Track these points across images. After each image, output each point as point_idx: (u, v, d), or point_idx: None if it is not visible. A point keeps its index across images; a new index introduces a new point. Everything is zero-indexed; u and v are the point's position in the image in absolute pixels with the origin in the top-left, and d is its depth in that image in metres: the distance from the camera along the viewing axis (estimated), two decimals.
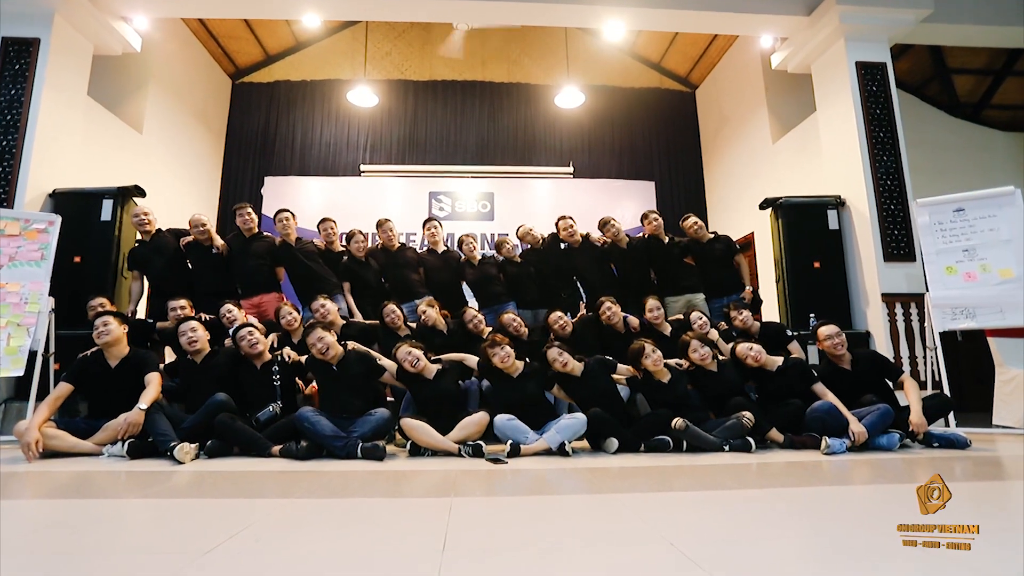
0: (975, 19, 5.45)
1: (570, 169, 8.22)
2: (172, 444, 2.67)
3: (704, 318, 3.92)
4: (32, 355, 3.63)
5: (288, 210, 4.43)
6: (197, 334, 3.26)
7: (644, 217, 4.66)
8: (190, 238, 4.28)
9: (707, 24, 5.69)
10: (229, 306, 3.80)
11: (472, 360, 3.40)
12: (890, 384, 3.40)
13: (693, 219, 4.61)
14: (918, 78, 7.16)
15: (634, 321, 4.01)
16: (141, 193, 4.77)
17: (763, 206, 5.26)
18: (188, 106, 7.08)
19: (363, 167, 8.02)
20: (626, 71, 8.60)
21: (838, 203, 5.14)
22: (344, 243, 4.56)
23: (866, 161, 5.00)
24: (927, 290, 4.26)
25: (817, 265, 4.98)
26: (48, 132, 4.60)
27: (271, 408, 3.05)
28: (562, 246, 4.62)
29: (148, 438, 2.82)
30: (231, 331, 3.44)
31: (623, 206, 7.62)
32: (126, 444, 2.75)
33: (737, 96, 7.50)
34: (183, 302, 3.76)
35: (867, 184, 4.95)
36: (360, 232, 4.50)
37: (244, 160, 7.97)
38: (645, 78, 8.67)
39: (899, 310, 4.68)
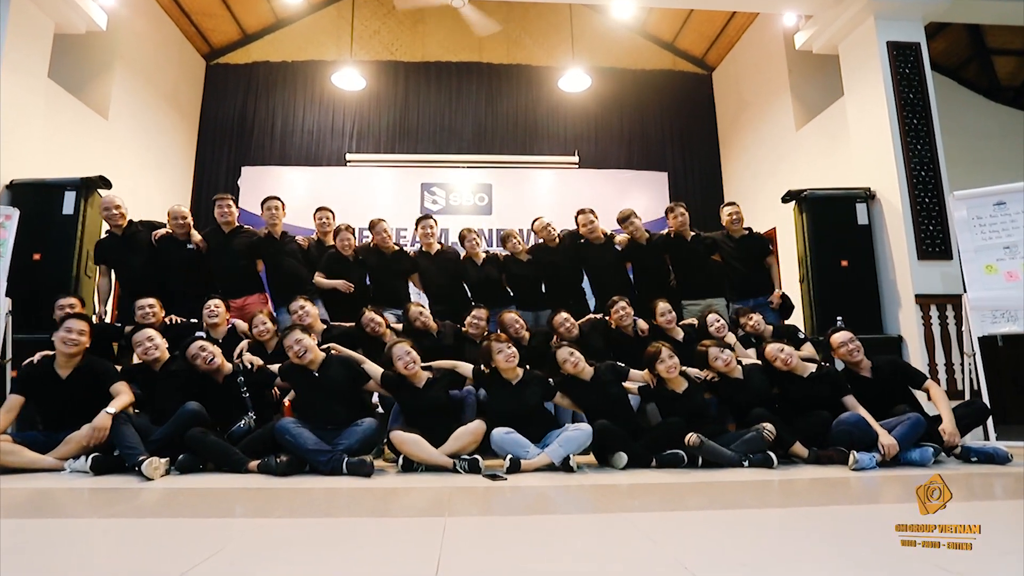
0: None
1: (575, 159, 8.21)
2: (140, 458, 2.67)
3: (721, 321, 3.94)
4: None
5: (278, 198, 4.45)
6: (155, 343, 3.26)
7: (669, 211, 4.66)
8: (163, 231, 4.29)
9: (725, 0, 5.69)
10: (217, 301, 3.80)
11: (465, 367, 3.40)
12: (914, 392, 3.40)
13: (733, 208, 4.64)
14: (955, 59, 7.16)
15: (643, 325, 4.02)
16: (107, 184, 4.76)
17: (786, 199, 5.26)
18: (158, 89, 7.07)
19: (349, 156, 8.01)
20: (636, 52, 8.59)
21: (868, 196, 5.14)
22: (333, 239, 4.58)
23: (898, 150, 4.99)
24: (965, 291, 4.25)
25: (845, 264, 4.97)
26: (5, 118, 4.58)
27: (244, 422, 3.04)
28: (580, 241, 4.62)
29: (114, 452, 2.81)
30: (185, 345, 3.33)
31: (633, 199, 7.59)
32: (90, 459, 2.74)
33: (758, 79, 7.50)
34: (151, 300, 3.75)
35: (899, 175, 4.95)
36: (348, 228, 4.51)
37: (219, 148, 7.96)
38: (657, 59, 8.66)
39: (934, 313, 4.67)
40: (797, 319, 5.18)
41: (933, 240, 4.84)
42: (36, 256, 4.42)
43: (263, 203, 4.40)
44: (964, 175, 5.65)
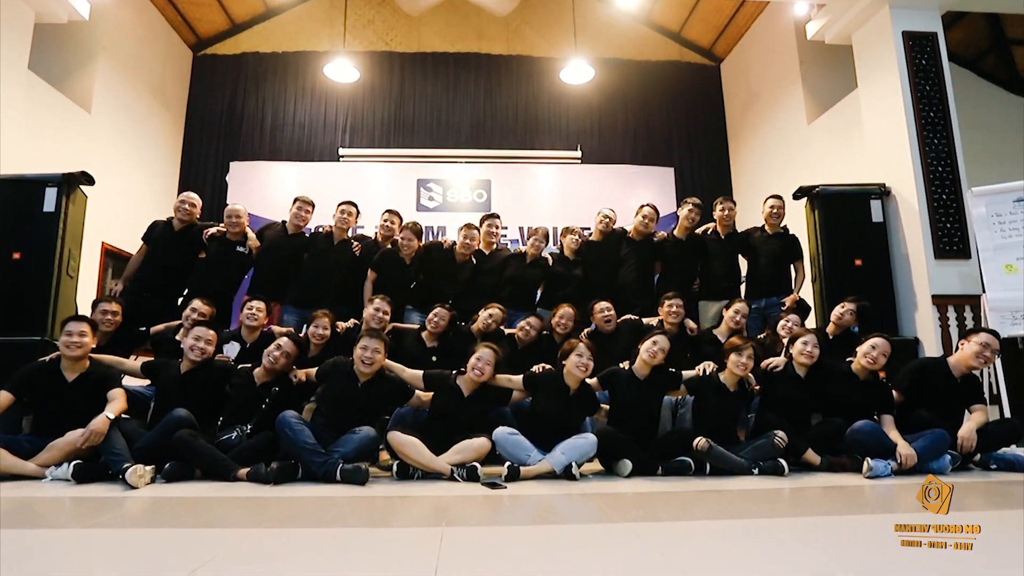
0: None
1: (577, 153, 8.21)
2: (125, 466, 2.66)
3: (794, 324, 3.94)
4: None
5: (354, 203, 4.53)
6: (211, 347, 3.26)
7: (717, 203, 4.68)
8: (215, 229, 4.37)
9: None
10: (260, 304, 3.83)
11: (517, 381, 3.37)
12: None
13: (776, 201, 4.61)
14: (973, 50, 7.17)
15: (692, 325, 4.12)
16: (89, 180, 4.75)
17: (797, 196, 5.26)
18: (143, 82, 7.07)
19: (342, 151, 8.01)
20: (641, 42, 8.60)
21: (882, 192, 5.14)
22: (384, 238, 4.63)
23: (914, 144, 4.99)
24: (983, 291, 4.26)
25: (859, 263, 4.97)
26: None
27: (236, 433, 3.03)
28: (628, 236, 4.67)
29: (99, 457, 2.81)
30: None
31: (638, 195, 7.59)
32: (71, 466, 2.74)
33: (768, 70, 7.51)
34: (206, 308, 3.76)
35: (915, 170, 4.95)
36: (415, 226, 4.53)
37: (207, 143, 7.96)
38: (663, 50, 8.67)
39: (952, 314, 4.67)
40: (808, 321, 5.18)
41: (950, 238, 4.84)
42: (16, 255, 4.41)
43: (338, 207, 4.48)
44: (982, 170, 5.66)
